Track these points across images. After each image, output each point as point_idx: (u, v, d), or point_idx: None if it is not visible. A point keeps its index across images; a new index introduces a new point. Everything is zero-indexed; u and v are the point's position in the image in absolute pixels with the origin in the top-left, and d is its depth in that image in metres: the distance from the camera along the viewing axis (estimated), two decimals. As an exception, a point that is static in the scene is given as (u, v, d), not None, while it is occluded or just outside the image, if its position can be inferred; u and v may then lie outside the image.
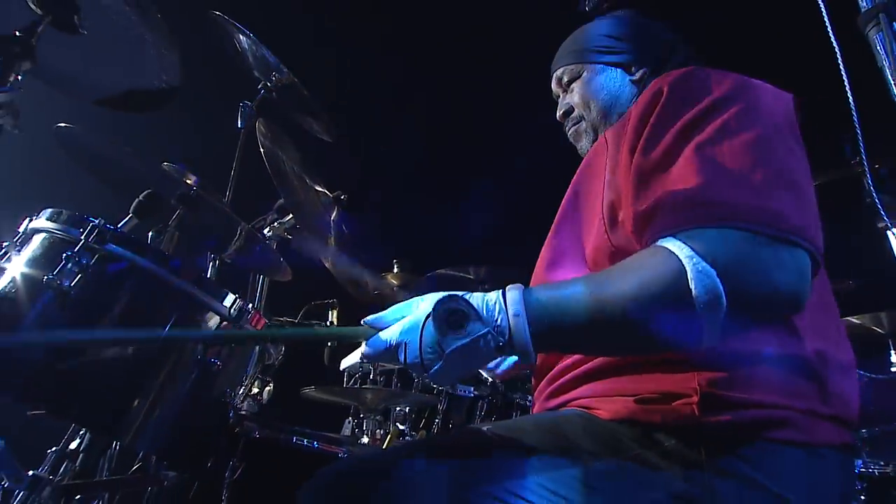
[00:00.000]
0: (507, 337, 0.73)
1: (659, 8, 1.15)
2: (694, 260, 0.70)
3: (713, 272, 0.69)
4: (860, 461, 1.67)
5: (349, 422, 2.44)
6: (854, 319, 2.17)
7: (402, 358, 0.74)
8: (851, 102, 0.96)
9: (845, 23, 0.98)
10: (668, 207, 0.77)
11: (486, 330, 0.72)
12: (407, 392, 2.36)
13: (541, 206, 1.19)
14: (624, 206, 0.86)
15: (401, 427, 2.50)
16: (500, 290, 0.77)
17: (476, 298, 0.76)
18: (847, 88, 0.96)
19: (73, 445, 1.06)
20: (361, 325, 0.79)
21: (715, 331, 0.71)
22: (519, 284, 0.78)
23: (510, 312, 0.74)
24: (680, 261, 0.71)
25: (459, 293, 0.75)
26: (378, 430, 2.27)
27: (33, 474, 0.95)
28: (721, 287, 0.69)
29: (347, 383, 2.42)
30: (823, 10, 1.00)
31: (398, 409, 2.52)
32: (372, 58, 3.67)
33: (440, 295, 0.75)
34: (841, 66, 0.96)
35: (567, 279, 0.81)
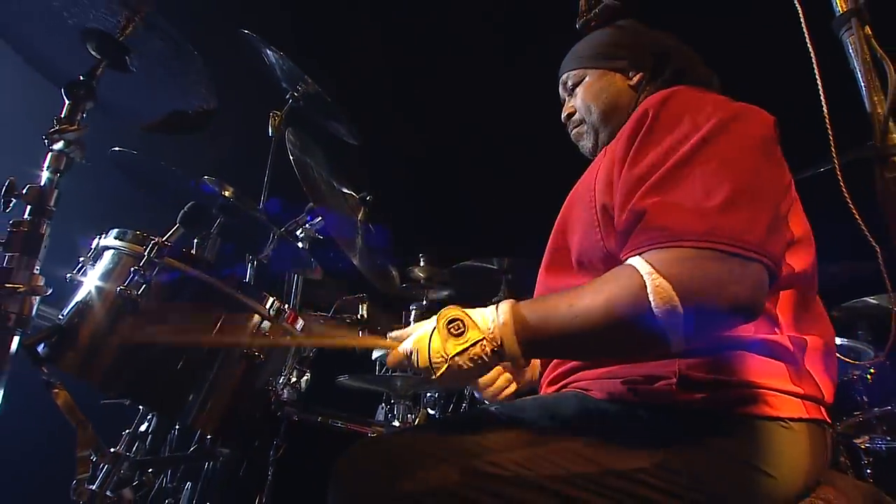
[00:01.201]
0: (499, 344, 0.86)
1: (656, 18, 1.22)
2: (653, 276, 0.79)
3: (670, 287, 0.78)
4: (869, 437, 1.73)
5: (382, 407, 2.60)
6: (871, 300, 2.20)
7: (415, 363, 0.88)
8: (823, 101, 1.03)
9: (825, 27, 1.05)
10: (640, 227, 0.86)
11: (482, 337, 0.86)
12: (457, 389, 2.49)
13: (562, 199, 1.27)
14: (616, 218, 0.95)
15: (431, 412, 2.64)
16: (496, 305, 0.90)
17: (474, 312, 0.89)
18: (819, 88, 1.03)
19: (142, 428, 1.25)
20: (387, 337, 0.96)
21: (677, 339, 0.80)
22: (511, 300, 0.90)
23: (500, 322, 0.86)
24: (642, 277, 0.80)
25: (458, 307, 0.89)
26: (409, 415, 2.42)
27: (114, 451, 1.14)
28: (677, 300, 0.78)
29: (379, 371, 2.57)
30: (801, 14, 1.07)
31: (428, 394, 2.66)
32: (395, 53, 3.76)
33: (445, 309, 0.89)
34: (815, 66, 1.03)
35: (553, 293, 0.93)
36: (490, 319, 0.87)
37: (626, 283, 0.82)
